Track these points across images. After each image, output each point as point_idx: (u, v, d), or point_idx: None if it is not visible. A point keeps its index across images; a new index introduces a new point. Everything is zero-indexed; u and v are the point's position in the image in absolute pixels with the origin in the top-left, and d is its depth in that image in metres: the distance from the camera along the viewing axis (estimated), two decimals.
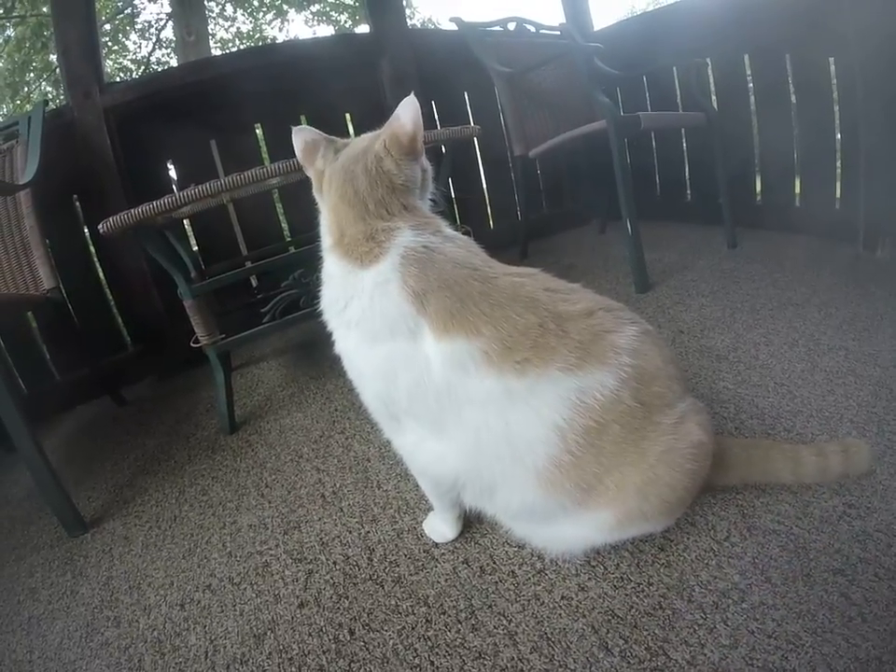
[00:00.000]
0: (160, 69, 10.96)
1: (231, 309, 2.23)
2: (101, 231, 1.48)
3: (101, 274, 2.50)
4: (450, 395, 0.88)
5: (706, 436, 0.92)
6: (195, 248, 2.43)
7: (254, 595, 1.10)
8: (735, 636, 0.84)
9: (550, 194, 3.32)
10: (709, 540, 1.01)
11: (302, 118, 2.62)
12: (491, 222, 3.21)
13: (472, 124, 2.84)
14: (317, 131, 1.00)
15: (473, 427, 0.89)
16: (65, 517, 1.43)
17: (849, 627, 0.81)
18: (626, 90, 3.05)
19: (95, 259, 2.47)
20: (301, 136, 0.99)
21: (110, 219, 1.45)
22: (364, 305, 0.90)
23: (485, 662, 0.88)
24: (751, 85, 2.56)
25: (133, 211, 1.44)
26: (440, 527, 1.14)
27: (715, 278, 2.17)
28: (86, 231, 2.44)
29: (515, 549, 1.08)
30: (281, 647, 0.98)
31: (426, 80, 2.74)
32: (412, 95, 0.92)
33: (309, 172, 1.01)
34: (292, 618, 1.03)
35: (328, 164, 0.97)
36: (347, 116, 2.77)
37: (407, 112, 0.92)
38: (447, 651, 0.91)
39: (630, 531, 0.96)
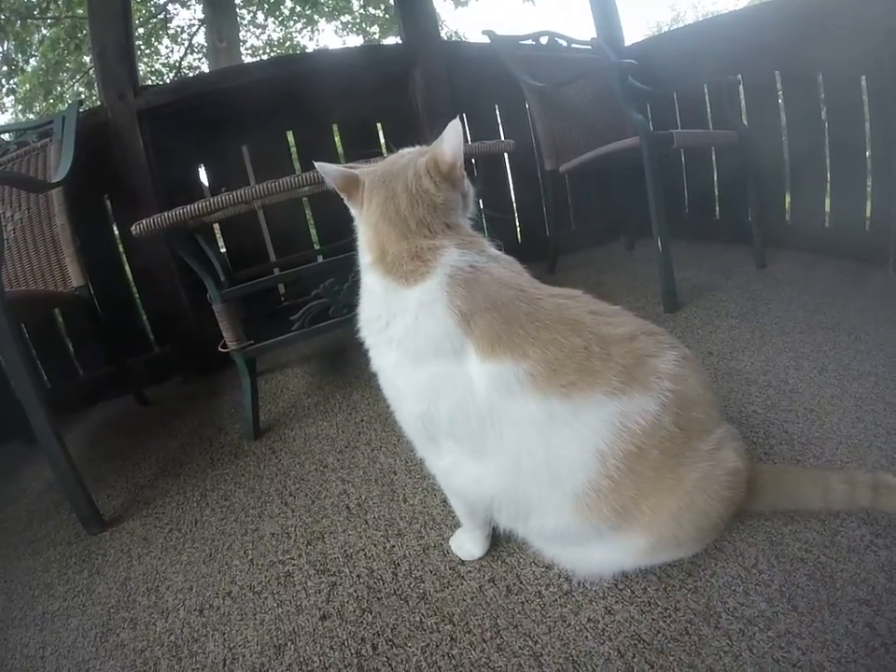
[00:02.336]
0: (191, 74, 11.16)
1: (258, 315, 2.24)
2: (133, 232, 1.49)
3: (129, 274, 2.53)
4: (492, 417, 0.87)
5: (742, 463, 0.92)
6: (224, 252, 2.45)
7: (275, 605, 1.09)
8: (760, 664, 0.83)
9: (578, 210, 3.30)
10: (737, 567, 0.99)
11: (334, 126, 2.65)
12: (519, 237, 3.20)
13: (503, 138, 2.88)
14: (336, 165, 0.98)
15: (514, 450, 0.89)
16: (84, 514, 1.44)
17: (873, 658, 0.80)
18: (656, 106, 3.03)
19: (124, 259, 2.50)
20: (330, 174, 0.96)
21: (143, 222, 1.46)
22: (408, 324, 0.89)
23: None
24: (782, 103, 2.54)
25: (165, 214, 1.45)
26: (467, 545, 1.13)
27: (744, 299, 2.15)
28: (115, 230, 2.46)
29: (543, 569, 1.07)
30: (301, 659, 0.97)
31: (457, 93, 2.74)
32: (456, 120, 0.91)
33: (354, 200, 0.99)
34: (314, 630, 1.02)
35: (368, 179, 0.96)
36: (378, 126, 2.78)
37: (450, 139, 0.92)
38: (471, 671, 0.90)
39: (662, 557, 0.96)
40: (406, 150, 1.02)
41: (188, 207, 1.46)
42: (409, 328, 0.89)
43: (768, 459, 1.25)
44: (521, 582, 1.05)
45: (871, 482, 0.97)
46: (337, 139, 2.70)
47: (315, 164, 0.97)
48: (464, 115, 2.85)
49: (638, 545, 0.90)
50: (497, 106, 2.98)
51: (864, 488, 0.97)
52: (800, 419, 1.35)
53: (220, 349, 1.71)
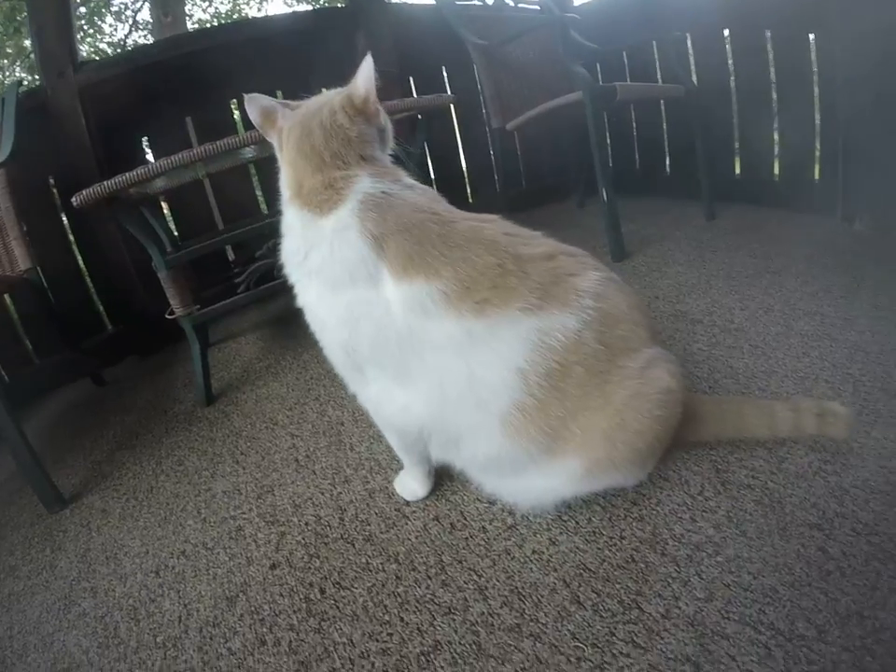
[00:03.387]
0: None
1: (210, 285, 2.22)
2: (74, 203, 1.47)
3: (79, 256, 2.46)
4: (412, 339, 0.88)
5: (675, 383, 0.92)
6: (172, 226, 2.40)
7: (227, 559, 1.12)
8: (710, 589, 0.84)
9: (530, 169, 3.31)
10: (683, 495, 1.02)
11: (279, 93, 2.58)
12: (469, 196, 3.20)
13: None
14: (270, 98, 1.00)
15: (436, 373, 0.90)
16: (45, 495, 1.43)
17: (828, 581, 0.82)
18: (607, 64, 3.03)
19: (73, 241, 2.43)
20: (257, 103, 0.99)
21: (83, 192, 1.45)
22: (325, 253, 0.90)
23: (455, 616, 0.89)
24: (731, 60, 2.56)
25: (105, 183, 1.44)
26: (410, 485, 1.15)
27: (692, 248, 2.18)
28: (63, 212, 2.40)
29: (486, 505, 1.09)
30: (253, 608, 0.99)
31: (403, 54, 2.71)
32: (368, 58, 0.94)
33: (270, 135, 1.02)
34: (264, 579, 1.05)
35: (286, 122, 0.98)
36: (324, 90, 2.70)
37: (363, 76, 0.95)
38: (417, 607, 0.92)
39: (600, 481, 0.96)
40: (324, 93, 1.04)
41: (127, 174, 1.44)
42: (325, 257, 0.90)
43: (713, 393, 1.27)
44: (465, 519, 1.07)
45: (816, 409, 1.00)
46: None
47: (245, 96, 0.98)
48: (410, 77, 2.84)
49: (574, 468, 0.91)
50: (444, 67, 2.95)
51: (810, 416, 0.99)
52: (745, 355, 1.39)
53: (167, 316, 1.71)
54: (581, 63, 2.16)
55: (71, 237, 2.43)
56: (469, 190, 3.20)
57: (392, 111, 1.65)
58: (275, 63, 2.47)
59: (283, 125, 0.98)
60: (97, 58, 9.82)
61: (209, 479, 1.39)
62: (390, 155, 1.04)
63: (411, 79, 2.85)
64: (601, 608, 0.85)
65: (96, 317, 2.53)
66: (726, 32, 2.52)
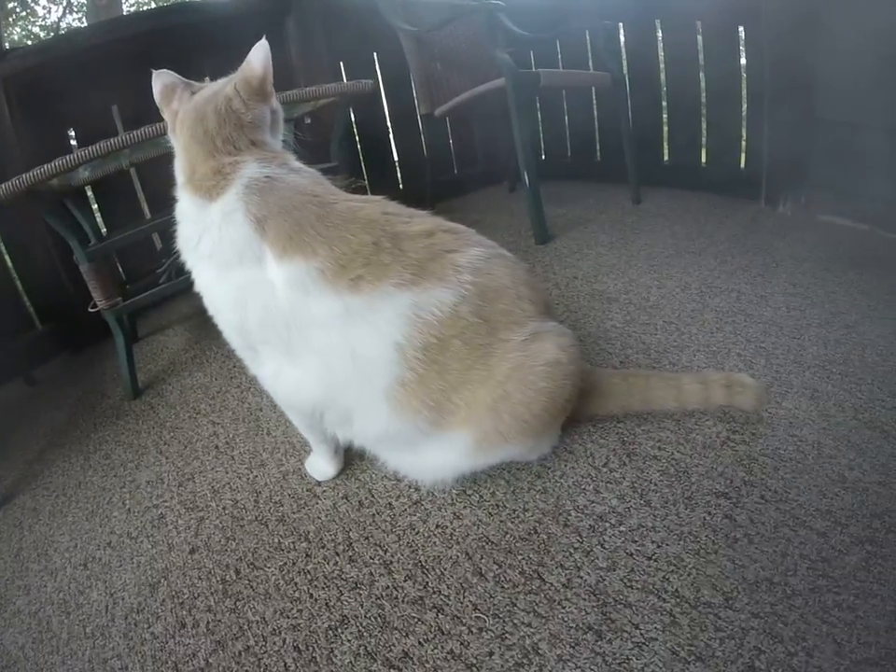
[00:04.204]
0: None
1: (138, 277, 2.18)
2: None
3: (6, 257, 2.37)
4: (295, 318, 0.90)
5: (564, 355, 0.95)
6: (100, 221, 2.34)
7: (150, 547, 1.13)
8: (612, 558, 0.87)
9: (462, 155, 3.33)
10: (587, 467, 1.05)
11: (206, 79, 2.52)
12: (401, 183, 3.21)
13: (381, 86, 2.88)
14: (177, 75, 1.01)
15: (321, 350, 0.92)
16: None
17: (735, 549, 0.84)
18: (540, 53, 3.06)
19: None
20: (160, 79, 1.00)
21: (2, 185, 1.42)
22: (214, 237, 0.91)
23: (361, 591, 0.92)
24: (662, 49, 2.63)
25: (24, 175, 1.41)
26: (319, 465, 1.17)
27: (615, 230, 2.24)
28: None
29: (393, 482, 1.12)
30: (174, 592, 1.01)
31: (333, 41, 2.70)
32: (263, 40, 0.96)
33: (165, 114, 1.02)
34: (184, 564, 1.07)
35: (182, 106, 0.98)
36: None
37: (257, 56, 0.96)
38: (325, 584, 0.95)
39: (494, 454, 0.99)
40: (221, 79, 1.04)
41: (46, 165, 1.41)
42: (215, 240, 0.92)
43: (623, 367, 1.32)
44: (372, 496, 1.10)
45: (724, 380, 1.04)
46: None
47: (153, 72, 0.99)
48: (341, 63, 2.82)
49: (465, 441, 0.94)
50: (375, 53, 2.93)
51: (718, 387, 1.03)
52: (658, 331, 1.45)
53: (90, 309, 1.69)
54: (513, 51, 2.19)
55: None
56: (399, 176, 3.21)
57: (310, 97, 1.66)
58: (205, 48, 2.41)
59: (177, 108, 0.99)
60: (29, 42, 9.43)
61: (134, 470, 1.40)
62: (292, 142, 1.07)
63: (341, 65, 2.83)
64: (503, 579, 0.88)
65: (26, 316, 2.44)
66: (657, 22, 2.59)
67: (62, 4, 10.22)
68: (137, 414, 1.67)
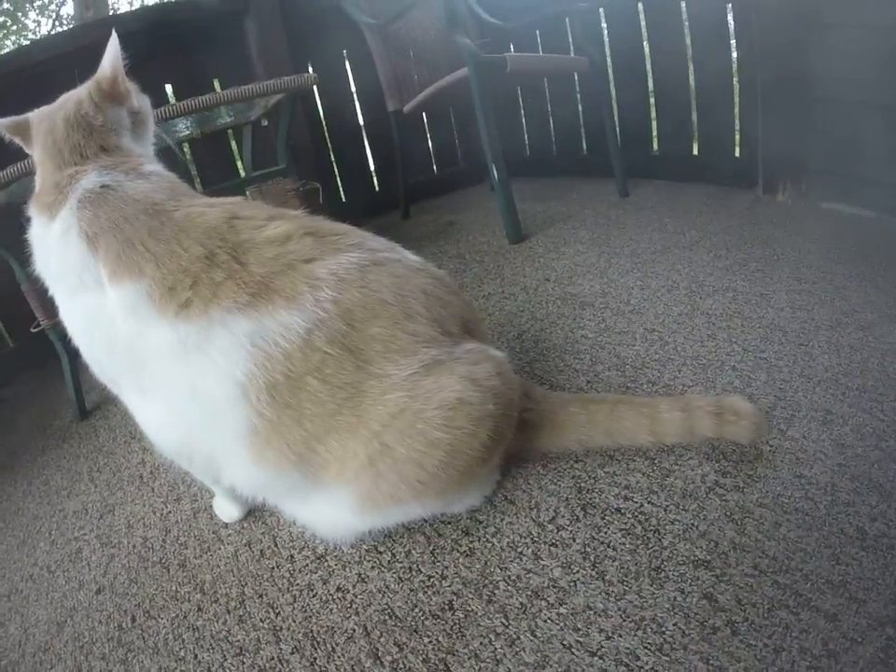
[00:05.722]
0: None
1: None
2: None
3: None
4: (136, 348, 0.78)
5: (474, 392, 0.77)
6: None
7: (63, 583, 1.08)
8: (543, 651, 0.68)
9: (440, 154, 3.23)
10: (529, 523, 0.87)
11: (167, 87, 2.47)
12: (376, 184, 3.11)
13: (352, 83, 2.80)
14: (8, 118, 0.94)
15: (165, 387, 0.79)
16: None
17: (712, 643, 0.64)
18: (519, 44, 2.89)
19: None
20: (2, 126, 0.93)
21: None
22: (55, 259, 0.83)
23: (245, 659, 0.80)
24: (645, 33, 2.50)
25: None
26: (224, 507, 1.06)
27: (598, 226, 2.10)
28: None
29: (300, 530, 0.99)
30: (76, 634, 0.95)
31: (299, 41, 2.61)
32: (113, 36, 0.89)
33: (30, 148, 0.93)
34: (89, 604, 1.01)
35: (35, 119, 0.91)
36: (216, 82, 2.61)
37: (107, 56, 0.89)
38: (211, 645, 0.85)
39: (387, 515, 0.84)
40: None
41: None
42: (56, 263, 0.82)
43: (590, 388, 1.15)
44: (275, 545, 0.99)
45: (713, 406, 0.85)
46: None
47: None
48: (308, 63, 2.73)
49: (346, 499, 0.79)
50: (345, 52, 2.83)
51: (704, 415, 0.84)
52: (637, 341, 1.28)
53: (32, 329, 1.65)
54: (487, 41, 2.06)
55: None
56: (375, 179, 3.11)
57: (251, 95, 1.57)
58: (166, 54, 2.34)
59: (33, 121, 0.90)
60: None
61: (65, 498, 1.34)
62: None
63: (309, 67, 2.73)
64: (400, 666, 0.72)
65: None
66: (640, 5, 2.45)
67: (51, 16, 10.37)
68: (80, 437, 1.61)
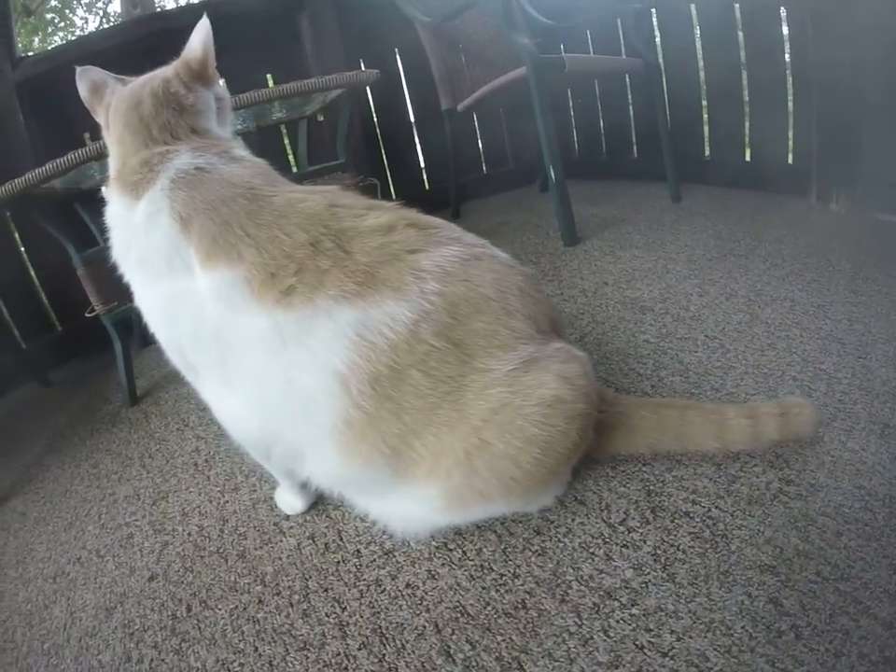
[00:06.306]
0: None
1: None
2: None
3: (26, 259, 2.38)
4: (225, 337, 0.77)
5: (569, 391, 0.76)
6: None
7: (113, 568, 1.08)
8: (617, 650, 0.68)
9: (491, 153, 3.22)
10: (600, 524, 0.86)
11: (221, 81, 2.47)
12: (426, 183, 3.12)
13: (405, 83, 2.82)
14: (106, 71, 0.91)
15: (256, 376, 0.78)
16: None
17: (777, 645, 0.65)
18: (570, 44, 2.88)
19: (20, 243, 2.36)
20: (87, 76, 0.90)
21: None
22: (141, 241, 0.79)
23: (309, 654, 0.79)
24: (699, 34, 2.47)
25: (17, 180, 1.41)
26: (287, 498, 1.04)
27: (652, 231, 2.07)
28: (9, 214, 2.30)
29: (366, 525, 0.98)
30: (126, 621, 0.94)
31: (351, 38, 2.63)
32: (204, 19, 0.87)
33: (97, 113, 0.91)
34: (141, 591, 1.00)
35: (115, 97, 0.88)
36: (269, 78, 2.65)
37: (199, 36, 0.87)
38: (273, 638, 0.83)
39: (472, 513, 0.83)
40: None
41: (37, 170, 1.41)
42: (142, 245, 0.79)
43: (655, 393, 1.14)
44: (341, 540, 0.97)
45: (777, 409, 0.84)
46: None
47: (77, 69, 0.89)
48: (360, 61, 2.74)
49: (432, 497, 0.78)
50: (396, 50, 2.85)
51: (770, 418, 0.84)
52: (699, 347, 1.27)
53: (87, 314, 1.65)
54: (539, 41, 2.06)
55: (17, 236, 2.36)
56: (425, 177, 3.11)
57: (311, 89, 1.59)
58: (220, 48, 2.36)
59: (110, 100, 0.88)
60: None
61: (116, 483, 1.35)
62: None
63: (361, 63, 2.74)
64: (473, 664, 0.71)
65: (46, 319, 2.45)
66: (693, 7, 2.41)
67: (99, 14, 10.54)
68: (131, 423, 1.63)
